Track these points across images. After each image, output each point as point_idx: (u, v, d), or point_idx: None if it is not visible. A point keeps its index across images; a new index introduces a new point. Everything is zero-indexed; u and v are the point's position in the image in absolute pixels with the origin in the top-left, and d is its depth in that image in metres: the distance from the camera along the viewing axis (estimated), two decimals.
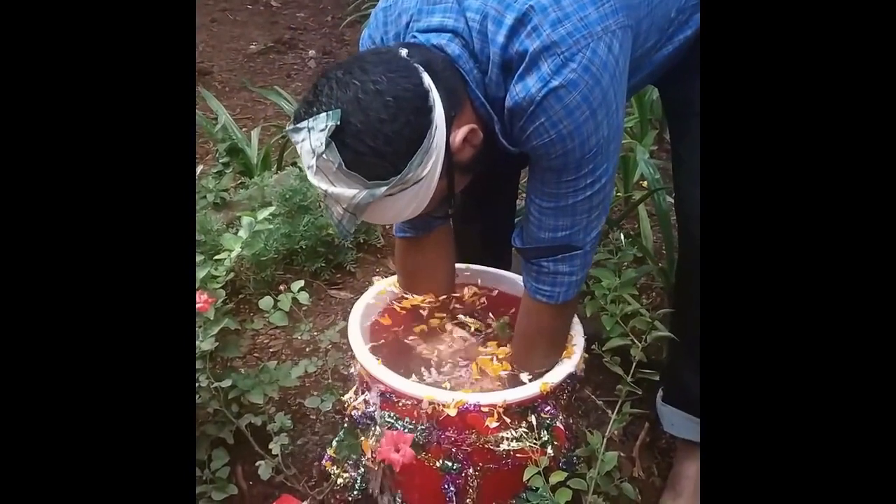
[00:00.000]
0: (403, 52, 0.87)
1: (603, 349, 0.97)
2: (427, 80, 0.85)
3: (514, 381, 1.09)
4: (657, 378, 1.00)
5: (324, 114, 0.81)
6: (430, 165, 0.87)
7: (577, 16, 0.85)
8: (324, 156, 0.82)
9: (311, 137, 0.82)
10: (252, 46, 3.69)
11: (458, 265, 1.28)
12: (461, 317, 1.23)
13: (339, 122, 0.81)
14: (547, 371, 1.07)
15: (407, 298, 1.24)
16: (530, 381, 1.06)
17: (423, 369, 1.14)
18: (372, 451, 1.04)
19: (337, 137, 0.82)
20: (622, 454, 1.31)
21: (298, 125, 0.84)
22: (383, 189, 0.84)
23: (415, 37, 0.92)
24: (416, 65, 0.86)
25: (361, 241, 1.89)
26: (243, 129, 2.34)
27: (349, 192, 0.84)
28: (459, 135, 0.90)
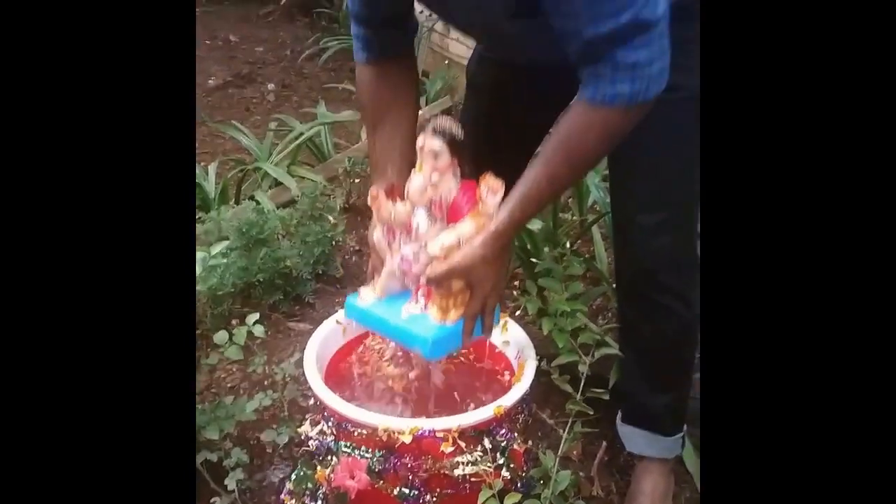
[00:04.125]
0: None
1: (551, 365, 0.99)
2: None
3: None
4: (607, 397, 1.02)
5: None
6: None
7: None
8: None
9: None
10: (210, 81, 3.70)
11: None
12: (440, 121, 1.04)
13: None
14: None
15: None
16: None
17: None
18: (328, 481, 1.04)
19: None
20: (581, 474, 1.32)
21: None
22: None
23: None
24: None
25: (320, 272, 1.89)
26: (201, 164, 2.34)
27: None
28: None
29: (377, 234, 1.08)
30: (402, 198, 1.06)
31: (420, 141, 1.02)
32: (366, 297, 1.10)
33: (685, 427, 1.27)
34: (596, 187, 1.79)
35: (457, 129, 1.01)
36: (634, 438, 1.26)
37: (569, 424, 0.97)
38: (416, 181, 1.02)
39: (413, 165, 1.05)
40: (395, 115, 1.12)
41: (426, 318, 1.03)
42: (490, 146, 1.24)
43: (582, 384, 0.97)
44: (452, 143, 1.01)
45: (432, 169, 1.01)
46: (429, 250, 1.00)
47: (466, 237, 0.99)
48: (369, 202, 1.05)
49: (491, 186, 0.99)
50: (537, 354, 1.14)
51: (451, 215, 1.03)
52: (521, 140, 1.28)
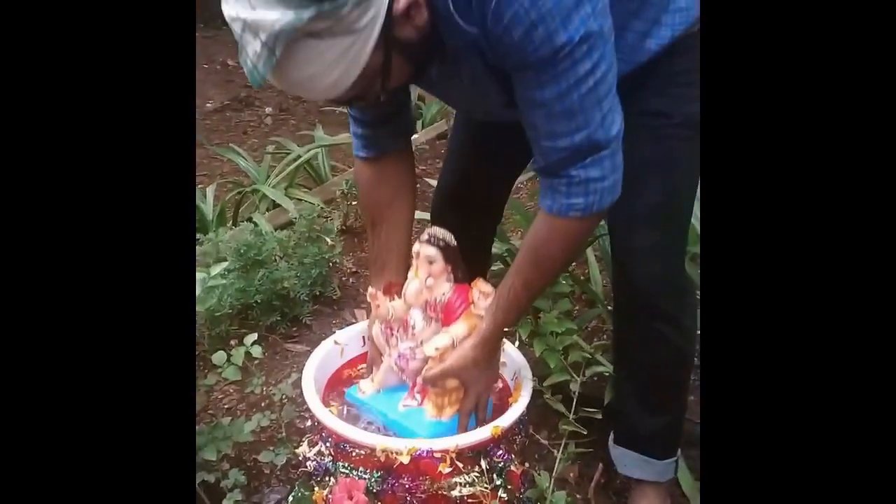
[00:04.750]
0: None
1: (544, 385, 1.00)
2: None
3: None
4: (600, 416, 1.02)
5: None
6: (368, 18, 0.80)
7: None
8: None
9: None
10: (209, 105, 3.74)
11: None
12: (433, 231, 1.13)
13: None
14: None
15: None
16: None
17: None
18: (326, 502, 1.04)
19: None
20: (578, 496, 1.32)
21: None
22: (310, 14, 0.75)
23: None
24: None
25: (317, 293, 1.90)
26: (199, 186, 2.36)
27: (271, 15, 0.75)
28: (402, 2, 0.83)
29: (376, 329, 1.17)
30: (400, 295, 1.14)
31: (416, 247, 1.11)
32: (365, 389, 1.17)
33: (679, 451, 1.27)
34: None
35: (450, 238, 1.11)
36: (626, 460, 1.25)
37: (562, 445, 0.98)
38: (413, 285, 1.11)
39: (410, 261, 1.14)
40: (393, 214, 1.21)
41: (422, 414, 1.11)
42: (477, 171, 1.27)
43: (574, 403, 0.98)
44: (446, 250, 1.11)
45: (427, 273, 1.10)
46: (425, 351, 1.08)
47: (460, 338, 1.07)
48: (368, 299, 1.14)
49: (482, 290, 1.09)
50: (532, 375, 1.16)
51: (446, 316, 1.11)
52: (505, 165, 1.31)
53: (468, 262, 1.41)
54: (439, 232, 1.11)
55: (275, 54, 0.77)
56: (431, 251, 1.10)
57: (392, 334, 1.15)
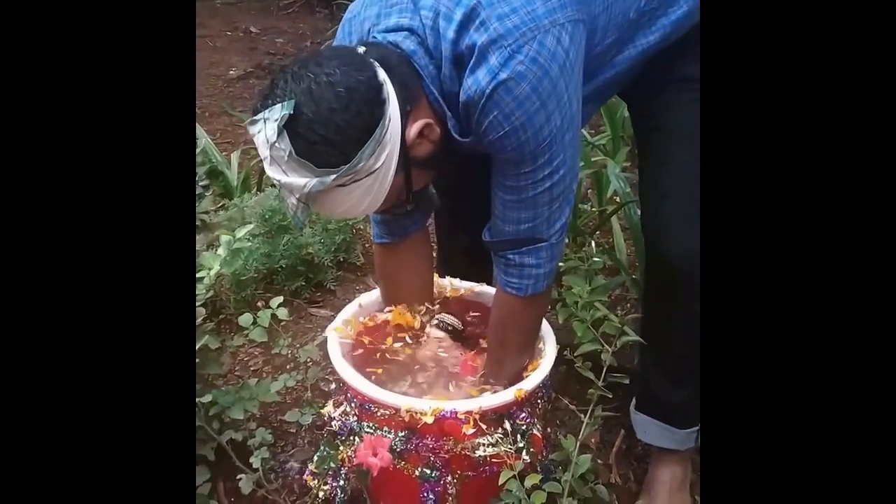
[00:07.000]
0: (360, 49, 0.91)
1: (575, 355, 1.00)
2: (381, 74, 0.88)
3: None
4: (628, 382, 1.02)
5: (278, 104, 0.84)
6: (384, 158, 0.89)
7: (524, 10, 0.88)
8: (276, 145, 0.85)
9: (266, 128, 0.85)
10: (232, 72, 3.73)
11: (446, 280, 1.31)
12: (442, 317, 1.25)
13: (291, 112, 0.84)
14: (520, 367, 1.10)
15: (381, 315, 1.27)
16: (504, 387, 1.08)
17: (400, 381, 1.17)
18: (350, 459, 1.06)
19: (289, 127, 0.84)
20: (599, 461, 1.33)
21: (255, 117, 0.86)
22: (333, 178, 0.86)
23: (374, 37, 0.96)
24: (371, 60, 0.89)
25: (341, 259, 1.91)
26: (223, 153, 2.36)
27: (300, 181, 0.86)
28: (414, 129, 0.92)
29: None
30: None
31: (427, 329, 1.23)
32: None
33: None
34: (616, 178, 1.79)
35: (457, 324, 1.24)
36: (647, 427, 1.25)
37: (590, 409, 0.98)
38: (426, 350, 1.21)
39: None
40: (409, 292, 1.26)
41: None
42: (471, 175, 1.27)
43: (604, 371, 0.98)
44: (454, 334, 1.23)
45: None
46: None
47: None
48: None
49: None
50: (556, 342, 1.16)
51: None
52: None
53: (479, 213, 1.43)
54: (447, 318, 1.24)
55: (309, 207, 0.89)
56: (440, 335, 1.22)
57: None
